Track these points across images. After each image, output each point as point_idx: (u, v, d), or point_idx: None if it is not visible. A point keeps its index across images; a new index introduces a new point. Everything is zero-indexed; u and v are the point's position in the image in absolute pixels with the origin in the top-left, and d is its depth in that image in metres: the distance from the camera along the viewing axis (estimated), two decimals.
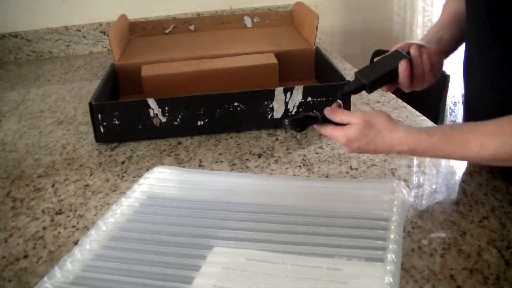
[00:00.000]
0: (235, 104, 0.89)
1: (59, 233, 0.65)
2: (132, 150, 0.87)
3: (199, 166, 0.80)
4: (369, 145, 0.61)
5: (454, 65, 1.70)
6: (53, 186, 0.77)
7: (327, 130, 0.65)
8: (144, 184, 0.70)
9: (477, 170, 0.73)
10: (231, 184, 0.70)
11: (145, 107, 0.87)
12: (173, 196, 0.67)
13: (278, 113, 0.91)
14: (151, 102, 0.87)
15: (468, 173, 0.73)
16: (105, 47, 1.58)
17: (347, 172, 0.75)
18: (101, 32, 1.56)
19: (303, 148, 0.84)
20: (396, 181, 0.66)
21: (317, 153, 0.82)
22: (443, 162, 0.77)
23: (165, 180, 0.72)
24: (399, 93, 0.96)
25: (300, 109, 0.91)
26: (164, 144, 0.88)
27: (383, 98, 1.02)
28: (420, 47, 0.69)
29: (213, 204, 0.64)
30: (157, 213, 0.63)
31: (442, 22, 0.80)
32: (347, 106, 0.91)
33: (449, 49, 0.77)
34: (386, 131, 0.61)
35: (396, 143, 0.60)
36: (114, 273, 0.53)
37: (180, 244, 0.57)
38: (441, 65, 0.72)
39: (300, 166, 0.78)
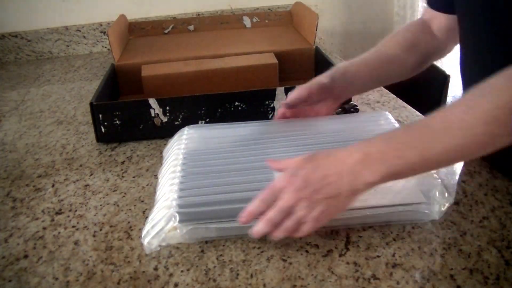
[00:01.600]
0: (236, 103, 0.89)
1: (59, 233, 0.65)
2: (132, 150, 0.87)
3: None
4: (316, 171, 0.54)
5: (454, 65, 1.71)
6: (53, 186, 0.77)
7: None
8: (178, 143, 0.75)
9: (477, 170, 0.73)
10: (260, 129, 0.78)
11: (146, 107, 0.87)
12: (212, 147, 0.74)
13: None
14: (152, 102, 0.87)
15: (468, 173, 0.73)
16: (105, 47, 1.58)
17: None
18: (101, 32, 1.56)
19: None
20: (386, 112, 0.80)
21: None
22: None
23: (198, 138, 0.77)
24: (399, 93, 0.96)
25: None
26: (164, 144, 0.88)
27: (383, 98, 1.02)
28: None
29: (253, 141, 0.74)
30: (206, 157, 0.71)
31: (367, 60, 0.79)
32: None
33: (356, 92, 0.82)
34: (331, 151, 0.55)
35: (344, 155, 0.54)
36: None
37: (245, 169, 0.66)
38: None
39: None
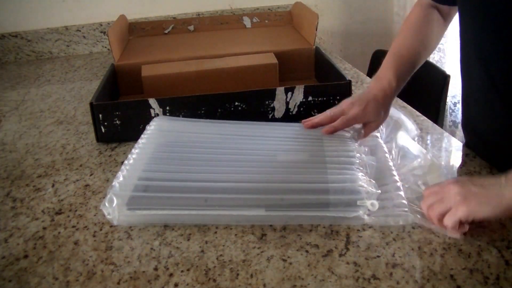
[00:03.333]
0: (236, 103, 0.89)
1: (59, 233, 0.65)
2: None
3: None
4: (476, 184, 0.57)
5: (454, 65, 1.71)
6: (53, 186, 0.77)
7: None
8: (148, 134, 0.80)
9: (478, 170, 0.73)
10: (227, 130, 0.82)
11: (146, 107, 0.87)
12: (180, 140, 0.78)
13: (279, 113, 0.91)
14: (152, 102, 0.87)
15: (468, 173, 0.73)
16: (105, 47, 1.58)
17: None
18: (101, 32, 1.56)
19: None
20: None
21: None
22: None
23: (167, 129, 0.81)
24: (399, 93, 0.96)
25: (301, 109, 0.91)
26: None
27: None
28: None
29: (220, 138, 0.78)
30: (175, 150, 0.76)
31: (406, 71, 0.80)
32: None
33: (399, 89, 0.80)
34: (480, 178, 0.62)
35: (496, 178, 0.57)
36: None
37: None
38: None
39: None
